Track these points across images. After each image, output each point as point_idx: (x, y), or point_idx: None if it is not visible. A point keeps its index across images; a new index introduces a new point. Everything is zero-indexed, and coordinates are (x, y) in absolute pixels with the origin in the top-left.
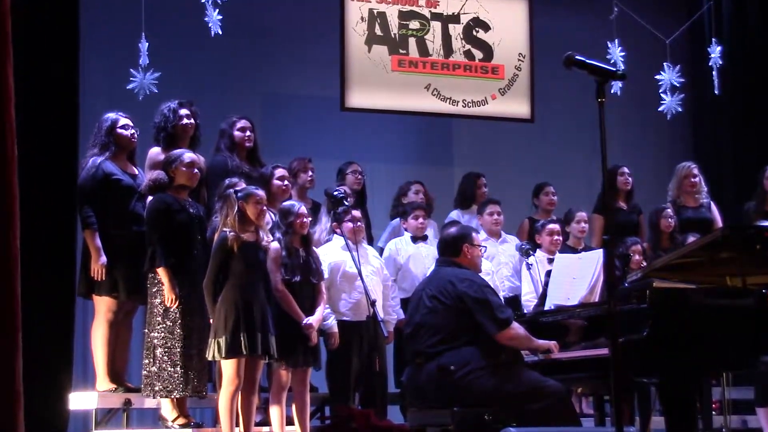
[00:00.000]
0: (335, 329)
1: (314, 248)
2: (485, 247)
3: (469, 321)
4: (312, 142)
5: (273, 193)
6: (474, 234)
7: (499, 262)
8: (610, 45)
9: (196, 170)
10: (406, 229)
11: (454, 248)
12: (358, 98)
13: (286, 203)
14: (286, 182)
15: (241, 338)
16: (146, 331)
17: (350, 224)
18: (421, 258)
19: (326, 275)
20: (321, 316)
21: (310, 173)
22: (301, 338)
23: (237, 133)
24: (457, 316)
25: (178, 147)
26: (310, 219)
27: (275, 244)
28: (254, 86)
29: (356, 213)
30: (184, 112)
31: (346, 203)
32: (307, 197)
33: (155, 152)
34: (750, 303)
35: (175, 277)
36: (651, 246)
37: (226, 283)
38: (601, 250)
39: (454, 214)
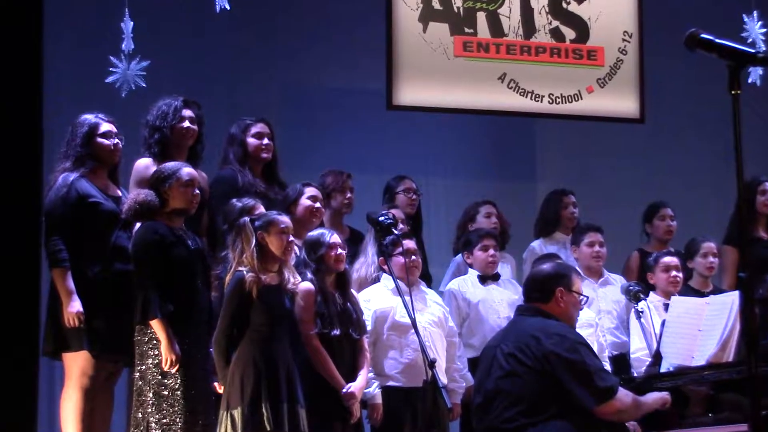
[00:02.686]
0: (379, 399)
1: (353, 292)
2: (587, 297)
3: (558, 388)
4: (350, 151)
5: (300, 219)
6: (575, 276)
7: (599, 310)
8: (746, 19)
9: (196, 190)
10: (470, 265)
11: (545, 291)
12: (410, 93)
13: (313, 233)
14: (318, 203)
15: (263, 410)
16: (134, 401)
17: (402, 259)
18: (492, 304)
19: (370, 327)
20: (365, 383)
21: (349, 194)
22: (340, 411)
23: (251, 141)
24: (542, 382)
25: (173, 159)
26: (346, 251)
27: (306, 285)
28: (273, 79)
29: (410, 244)
30: (187, 113)
31: (396, 232)
32: (343, 225)
33: (144, 165)
34: None
35: (175, 332)
36: None
37: (241, 338)
38: (736, 293)
39: (536, 245)
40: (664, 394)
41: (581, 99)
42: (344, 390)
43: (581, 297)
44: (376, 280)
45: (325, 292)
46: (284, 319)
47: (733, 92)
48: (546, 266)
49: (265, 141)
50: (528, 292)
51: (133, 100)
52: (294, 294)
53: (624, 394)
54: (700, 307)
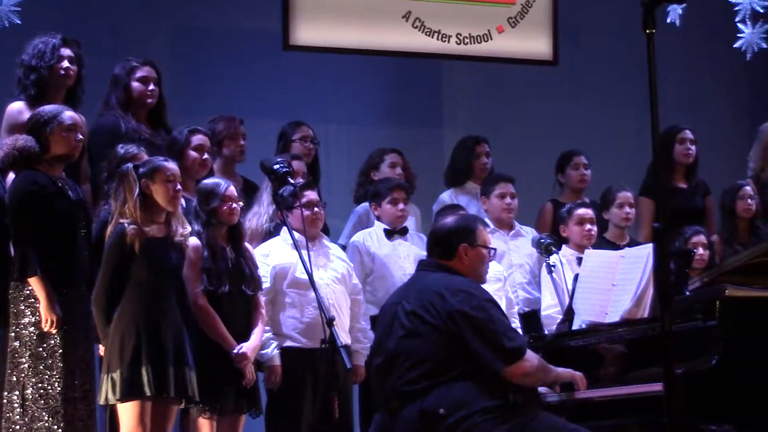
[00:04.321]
0: (277, 361)
1: (248, 246)
2: (494, 249)
3: (463, 348)
4: (243, 95)
5: (187, 169)
6: (480, 228)
7: (510, 264)
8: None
9: (79, 135)
10: (378, 218)
11: (447, 248)
12: (307, 33)
13: (208, 181)
14: (206, 154)
15: (144, 373)
16: (8, 363)
17: (301, 211)
18: (398, 260)
19: (267, 284)
20: (259, 342)
21: (241, 141)
22: (231, 374)
23: (136, 85)
24: (447, 342)
25: (49, 102)
26: (242, 204)
27: (194, 240)
28: (161, 18)
29: (311, 195)
30: (67, 52)
31: (293, 181)
32: (237, 174)
33: (16, 109)
34: None
35: (55, 290)
36: (723, 239)
37: (123, 296)
38: (651, 246)
39: (446, 196)
40: (576, 374)
41: (491, 39)
42: (235, 351)
43: (488, 250)
44: (269, 232)
45: (215, 247)
46: (171, 275)
47: (648, 32)
48: (448, 220)
49: (151, 86)
50: (431, 247)
51: (6, 38)
52: (183, 247)
53: (532, 356)
54: (615, 261)
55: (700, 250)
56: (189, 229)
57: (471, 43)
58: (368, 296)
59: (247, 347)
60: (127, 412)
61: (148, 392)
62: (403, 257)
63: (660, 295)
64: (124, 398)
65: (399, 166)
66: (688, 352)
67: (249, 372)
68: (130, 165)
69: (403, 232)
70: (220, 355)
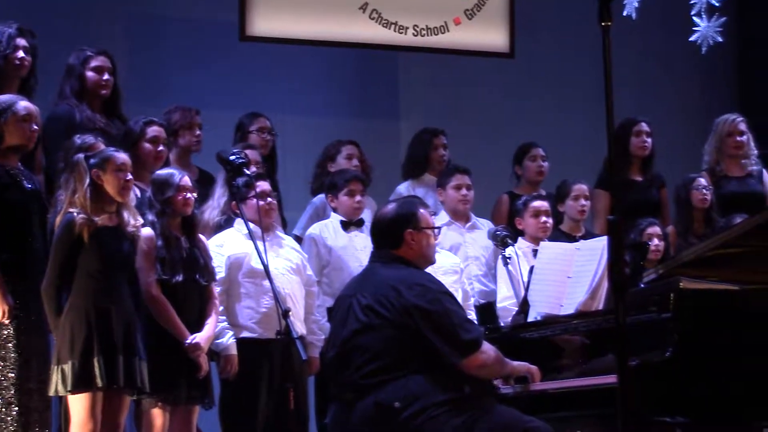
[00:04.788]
0: (233, 350)
1: (202, 236)
2: (439, 228)
3: (420, 341)
4: (199, 86)
5: (142, 160)
6: (421, 211)
7: (466, 256)
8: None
9: (34, 126)
10: (334, 210)
11: (394, 237)
12: (264, 24)
13: (162, 172)
14: (161, 145)
15: (96, 364)
16: None
17: (255, 201)
18: (354, 251)
19: (222, 274)
20: (213, 333)
21: (197, 131)
22: (184, 364)
23: (90, 75)
24: (404, 336)
25: (2, 92)
26: (196, 195)
27: (147, 231)
28: (116, 8)
29: (265, 185)
30: (22, 42)
31: (248, 172)
32: (192, 164)
33: None
34: None
35: (8, 280)
36: (678, 231)
37: (73, 286)
38: (606, 238)
39: (403, 188)
40: (532, 367)
41: (448, 31)
42: (188, 341)
43: (433, 231)
44: (219, 225)
45: (169, 237)
46: (122, 265)
47: (603, 24)
48: (387, 210)
49: (105, 76)
50: (377, 239)
51: None
52: (135, 237)
53: (489, 348)
54: (570, 253)
55: (656, 241)
56: (141, 220)
57: (428, 35)
58: (325, 288)
59: (201, 337)
60: (78, 404)
61: (99, 384)
62: (360, 249)
63: (614, 288)
64: (75, 390)
65: (355, 158)
66: (643, 344)
67: (202, 362)
68: (81, 155)
69: (359, 224)
70: (173, 346)
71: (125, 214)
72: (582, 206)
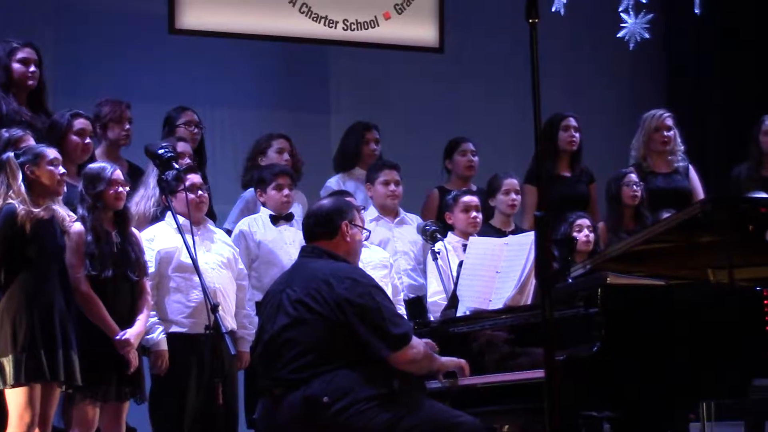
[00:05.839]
0: (164, 345)
1: (134, 230)
2: (369, 231)
3: (350, 335)
4: (128, 79)
5: (69, 153)
6: (357, 209)
7: (395, 251)
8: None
9: None
10: (264, 204)
11: (330, 227)
12: (194, 17)
13: (94, 165)
14: (88, 138)
15: (41, 357)
16: None
17: (184, 195)
18: (284, 245)
19: (152, 268)
20: (143, 328)
21: (127, 125)
22: (115, 360)
23: (16, 66)
24: (334, 330)
25: None
26: (128, 189)
27: (77, 226)
28: None
29: (195, 179)
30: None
31: (177, 166)
32: (122, 158)
33: None
34: (741, 305)
35: None
36: (609, 227)
37: (13, 278)
38: (533, 233)
39: (333, 182)
40: (460, 362)
41: (378, 26)
42: (118, 337)
43: (365, 231)
44: (155, 216)
45: (100, 231)
46: (57, 258)
47: (530, 21)
48: (325, 202)
49: (32, 68)
50: (311, 229)
51: None
52: (66, 231)
53: (418, 343)
54: (499, 248)
55: (585, 232)
56: (71, 214)
57: (358, 30)
58: (254, 282)
59: (131, 333)
60: (18, 398)
61: (48, 376)
62: (289, 243)
63: (540, 283)
64: (16, 383)
65: (286, 152)
66: (570, 339)
67: (132, 358)
68: (10, 154)
69: (288, 218)
70: (103, 341)
71: (57, 208)
72: (512, 201)
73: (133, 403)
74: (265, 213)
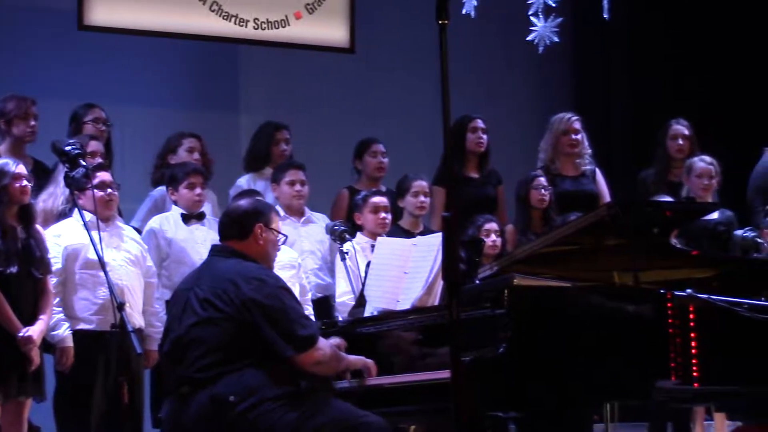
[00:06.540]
0: (69, 342)
1: (38, 227)
2: (285, 236)
3: (256, 335)
4: (35, 75)
5: None
6: (273, 214)
7: (302, 251)
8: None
9: None
10: (175, 203)
11: (243, 228)
12: (103, 13)
13: None
14: None
15: None
16: None
17: (93, 192)
18: (195, 245)
19: (59, 265)
20: (46, 326)
21: (32, 121)
22: (16, 358)
23: None
24: (240, 330)
25: None
26: (32, 184)
27: None
28: None
29: (104, 176)
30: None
31: (84, 163)
32: (26, 154)
33: None
34: (646, 308)
35: None
36: (518, 229)
37: None
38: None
39: (243, 181)
40: (368, 361)
41: (288, 25)
42: (20, 334)
43: (279, 236)
44: (63, 213)
45: (5, 226)
46: None
47: (440, 22)
48: (242, 203)
49: None
50: (225, 229)
51: None
52: None
53: (325, 344)
54: (407, 249)
55: (493, 237)
56: None
57: (269, 29)
58: (164, 281)
59: (33, 331)
60: None
61: None
62: (200, 242)
63: (447, 284)
64: None
65: (197, 151)
66: (477, 340)
67: (34, 356)
68: None
69: (200, 216)
70: (5, 339)
71: None
72: (421, 202)
73: (34, 401)
74: (176, 211)
